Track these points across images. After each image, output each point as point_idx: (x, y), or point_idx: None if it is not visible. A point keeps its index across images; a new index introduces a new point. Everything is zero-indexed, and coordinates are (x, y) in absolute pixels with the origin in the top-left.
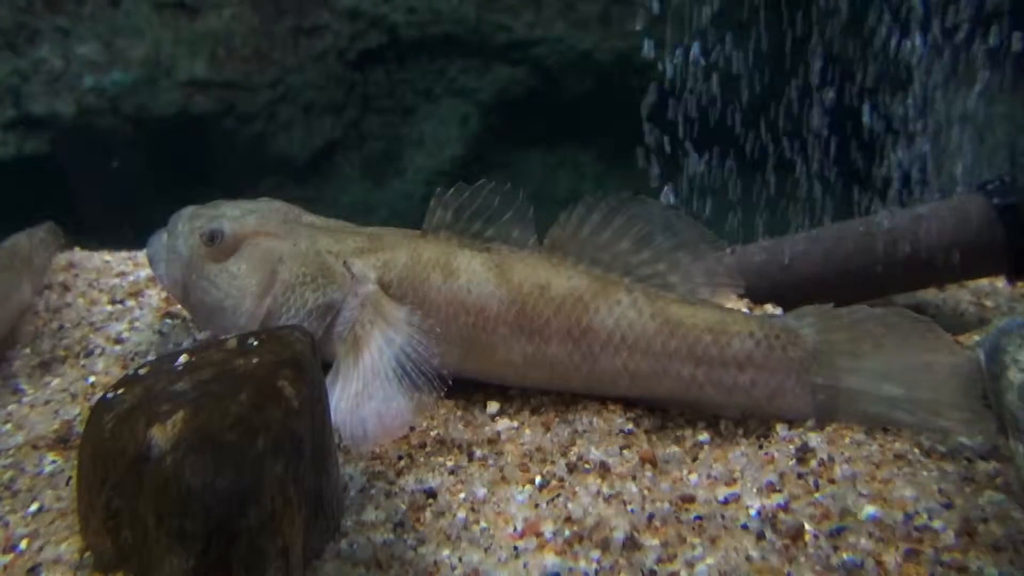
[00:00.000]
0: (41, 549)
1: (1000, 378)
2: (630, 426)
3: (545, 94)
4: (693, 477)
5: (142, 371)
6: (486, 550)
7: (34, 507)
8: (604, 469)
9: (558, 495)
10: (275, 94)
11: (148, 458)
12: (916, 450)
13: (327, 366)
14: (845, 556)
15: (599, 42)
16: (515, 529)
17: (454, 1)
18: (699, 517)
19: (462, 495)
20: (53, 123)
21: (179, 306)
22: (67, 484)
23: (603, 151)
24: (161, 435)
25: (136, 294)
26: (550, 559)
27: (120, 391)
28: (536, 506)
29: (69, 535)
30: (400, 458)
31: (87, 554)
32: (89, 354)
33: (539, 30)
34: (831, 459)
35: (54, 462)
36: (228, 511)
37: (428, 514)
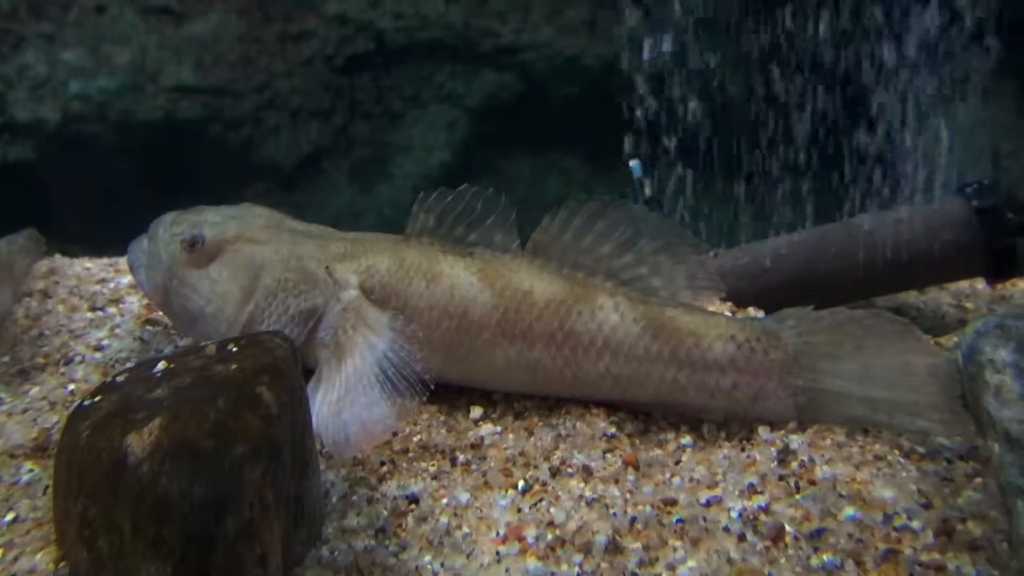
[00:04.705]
0: (16, 559)
1: (977, 379)
2: (613, 430)
3: (532, 99)
4: (676, 480)
5: (120, 378)
6: (468, 555)
7: (9, 517)
8: (587, 473)
9: (541, 499)
10: (262, 100)
11: (124, 466)
12: (896, 451)
13: (310, 372)
14: (825, 557)
15: (586, 47)
16: (497, 534)
17: (441, 7)
18: (681, 520)
19: (445, 500)
20: (38, 129)
21: (160, 313)
22: (44, 493)
23: (590, 156)
24: (137, 442)
25: (117, 301)
26: (532, 564)
27: (97, 398)
28: (519, 511)
29: (45, 545)
30: (382, 464)
31: (62, 564)
32: (69, 362)
33: (526, 36)
34: (812, 461)
35: (31, 471)
36: (205, 518)
37: (410, 520)
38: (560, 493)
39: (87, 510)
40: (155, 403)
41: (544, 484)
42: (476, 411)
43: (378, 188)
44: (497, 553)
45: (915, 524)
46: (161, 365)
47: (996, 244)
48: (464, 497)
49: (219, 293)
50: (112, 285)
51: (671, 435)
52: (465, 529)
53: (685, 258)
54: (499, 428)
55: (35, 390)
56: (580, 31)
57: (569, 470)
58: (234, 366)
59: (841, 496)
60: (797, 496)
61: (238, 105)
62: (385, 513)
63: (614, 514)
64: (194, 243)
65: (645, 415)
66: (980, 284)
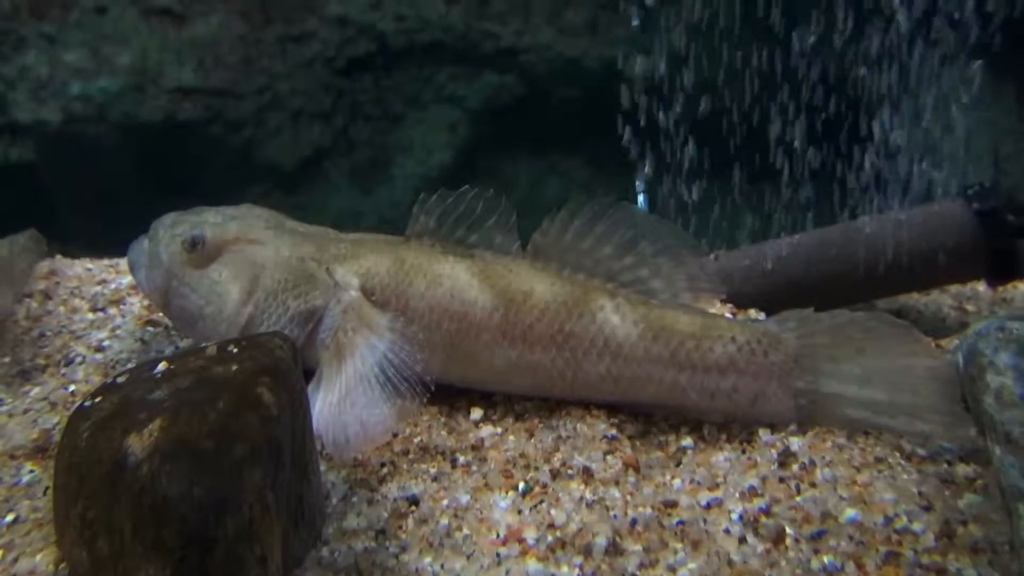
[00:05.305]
0: (16, 560)
1: (978, 381)
2: (613, 431)
3: (533, 101)
4: (676, 482)
5: (120, 379)
6: (468, 557)
7: (10, 518)
8: (587, 475)
9: (541, 501)
10: (263, 101)
11: (124, 467)
12: (896, 453)
13: (310, 373)
14: (825, 559)
15: (587, 49)
16: (498, 536)
17: (442, 9)
18: (681, 522)
19: (445, 502)
20: (39, 130)
21: (161, 314)
22: (44, 494)
23: (591, 158)
24: (137, 443)
25: (118, 302)
26: (532, 565)
27: (97, 399)
28: (519, 512)
29: (45, 546)
30: (383, 465)
31: (62, 565)
32: (70, 363)
33: (527, 38)
34: (812, 463)
35: (32, 472)
36: (205, 519)
37: (410, 521)
38: (560, 495)
39: (87, 511)
40: (155, 404)
41: (544, 486)
42: (476, 413)
43: (379, 189)
44: (497, 555)
45: (916, 526)
46: (162, 366)
47: (997, 246)
48: (464, 499)
49: (219, 293)
50: (113, 286)
51: (672, 437)
52: (465, 531)
53: (685, 260)
54: (499, 430)
55: (36, 391)
56: (581, 33)
57: (569, 472)
58: (234, 367)
59: (842, 498)
60: (798, 498)
61: (239, 106)
62: (385, 514)
63: (614, 516)
64: (194, 244)
65: (646, 417)
66: (981, 286)
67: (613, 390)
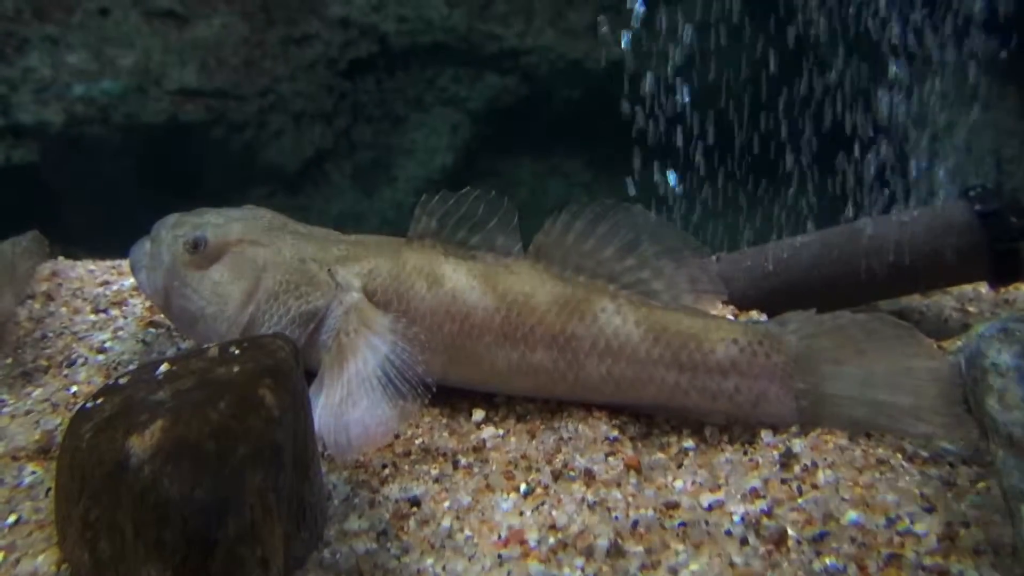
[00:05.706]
0: (18, 562)
1: (980, 383)
2: (615, 433)
3: (535, 103)
4: (678, 483)
5: (122, 380)
6: (470, 558)
7: (12, 519)
8: (589, 476)
9: (543, 503)
10: (265, 103)
11: (126, 468)
12: (898, 455)
13: (312, 375)
14: (827, 561)
15: (589, 51)
16: (499, 537)
17: (444, 10)
18: (683, 523)
19: (447, 503)
20: (42, 132)
21: (163, 315)
22: (46, 495)
23: (593, 159)
24: (139, 444)
25: (120, 303)
26: (534, 567)
27: (99, 400)
28: (521, 514)
29: (47, 547)
30: (384, 466)
31: (64, 566)
32: (72, 364)
33: (529, 39)
34: (814, 464)
35: (34, 473)
36: (206, 521)
37: (412, 523)
38: (562, 496)
39: (89, 512)
40: (157, 405)
41: (546, 487)
42: (478, 414)
43: (381, 191)
44: (499, 556)
45: (918, 528)
46: (163, 367)
47: (999, 248)
48: (466, 500)
49: (220, 294)
50: (115, 287)
51: (673, 438)
52: (467, 532)
53: (687, 261)
54: (501, 431)
55: (38, 392)
56: (582, 34)
57: (571, 473)
58: (236, 368)
59: (844, 500)
60: (800, 500)
61: (241, 108)
62: (387, 516)
63: (616, 517)
64: (196, 245)
65: (647, 418)
66: (984, 288)
67: (615, 392)
